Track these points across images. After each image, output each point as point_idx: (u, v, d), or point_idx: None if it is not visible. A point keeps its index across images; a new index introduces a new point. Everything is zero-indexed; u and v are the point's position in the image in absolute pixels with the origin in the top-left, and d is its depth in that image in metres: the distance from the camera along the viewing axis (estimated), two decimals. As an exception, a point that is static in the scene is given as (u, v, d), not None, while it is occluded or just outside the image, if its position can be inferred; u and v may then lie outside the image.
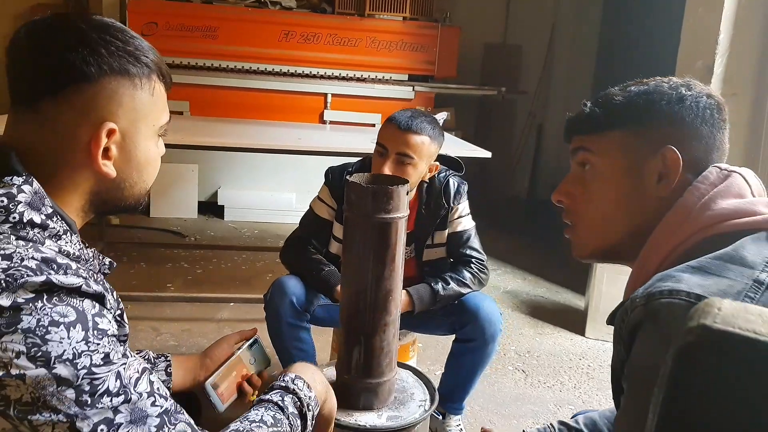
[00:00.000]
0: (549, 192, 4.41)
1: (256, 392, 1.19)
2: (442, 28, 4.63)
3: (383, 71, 4.57)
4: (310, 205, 2.05)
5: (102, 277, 0.88)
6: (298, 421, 0.97)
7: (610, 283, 3.08)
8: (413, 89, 4.51)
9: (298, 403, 0.99)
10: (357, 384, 1.43)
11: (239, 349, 1.23)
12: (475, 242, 1.97)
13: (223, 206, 4.71)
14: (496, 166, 4.86)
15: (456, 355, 1.95)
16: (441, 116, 3.00)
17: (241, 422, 0.90)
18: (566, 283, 3.82)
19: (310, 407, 1.00)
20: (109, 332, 0.75)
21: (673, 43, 4.34)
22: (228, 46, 4.36)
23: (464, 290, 1.89)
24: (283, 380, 1.02)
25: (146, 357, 1.13)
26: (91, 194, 0.85)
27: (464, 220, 1.97)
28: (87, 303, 0.74)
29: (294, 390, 1.00)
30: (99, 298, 0.76)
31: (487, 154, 2.79)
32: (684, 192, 0.84)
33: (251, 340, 1.26)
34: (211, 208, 4.79)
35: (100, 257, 0.93)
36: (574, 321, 3.27)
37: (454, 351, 1.96)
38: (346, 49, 4.47)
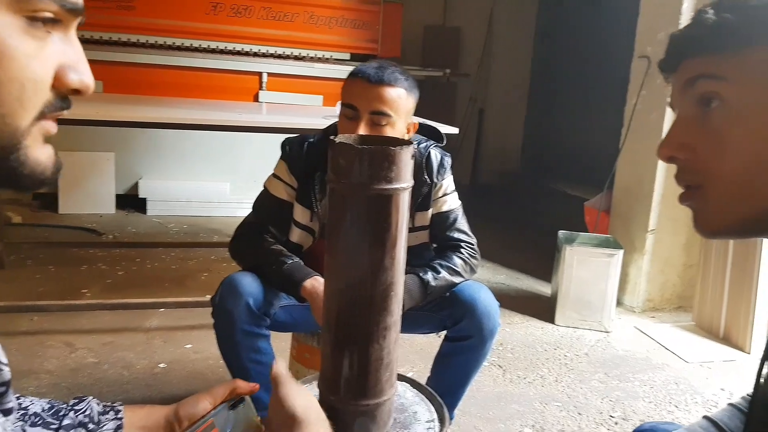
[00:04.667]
0: (492, 177, 4.25)
1: None
2: (385, 4, 4.34)
3: (323, 49, 4.21)
4: (264, 186, 1.70)
5: None
6: None
7: (580, 267, 2.89)
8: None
9: None
10: (349, 407, 1.10)
11: (215, 410, 0.87)
12: (463, 223, 1.68)
13: (145, 199, 4.23)
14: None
15: (447, 355, 1.65)
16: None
17: None
18: (525, 269, 3.64)
19: None
20: None
21: (615, 22, 4.23)
22: (147, 19, 3.89)
23: (457, 279, 1.59)
24: None
25: (85, 411, 0.75)
26: None
27: (450, 198, 1.68)
28: None
29: None
30: None
31: (454, 130, 2.51)
32: None
33: (234, 400, 0.92)
34: (131, 201, 4.29)
35: None
36: (541, 308, 3.07)
37: (444, 351, 1.66)
38: (281, 25, 4.09)
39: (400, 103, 1.50)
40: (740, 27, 0.64)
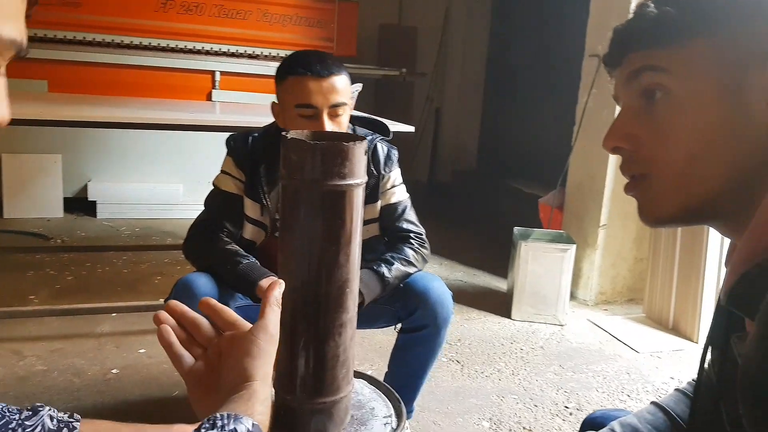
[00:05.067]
0: (449, 176, 4.28)
1: None
2: (340, 3, 4.32)
3: (278, 48, 4.17)
4: (213, 183, 1.69)
5: None
6: None
7: (535, 262, 2.94)
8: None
9: None
10: (305, 406, 1.09)
11: None
12: (411, 215, 1.70)
13: (94, 202, 4.10)
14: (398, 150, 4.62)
15: (404, 347, 1.66)
16: (356, 87, 2.70)
17: None
18: (482, 266, 3.68)
19: None
20: None
21: (567, 22, 4.32)
22: (93, 16, 3.77)
23: (411, 270, 1.61)
24: None
25: (35, 430, 0.65)
26: None
27: (398, 190, 1.70)
28: None
29: None
30: None
31: (410, 128, 2.52)
32: None
33: None
34: (80, 205, 4.15)
35: None
36: (498, 304, 3.11)
37: (401, 344, 1.67)
38: (234, 23, 4.03)
39: (348, 88, 1.55)
40: (681, 20, 0.65)
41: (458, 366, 2.46)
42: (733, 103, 0.63)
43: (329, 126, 1.48)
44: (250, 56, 4.12)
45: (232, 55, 4.08)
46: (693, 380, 0.89)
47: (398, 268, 1.58)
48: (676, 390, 0.97)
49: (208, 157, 3.98)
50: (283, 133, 1.05)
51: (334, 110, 1.50)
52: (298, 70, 1.50)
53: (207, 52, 4.03)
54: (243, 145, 1.65)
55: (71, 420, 0.66)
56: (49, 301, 2.76)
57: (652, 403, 0.96)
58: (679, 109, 0.65)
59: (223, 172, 1.68)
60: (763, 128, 0.62)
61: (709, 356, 0.79)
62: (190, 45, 4.00)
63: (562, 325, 2.92)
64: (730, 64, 0.63)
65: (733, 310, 0.65)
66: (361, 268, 1.58)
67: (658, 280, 2.98)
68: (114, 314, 2.63)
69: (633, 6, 2.98)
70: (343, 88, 1.52)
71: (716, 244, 2.69)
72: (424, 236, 1.72)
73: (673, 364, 2.59)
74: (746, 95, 0.62)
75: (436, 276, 1.69)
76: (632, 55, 0.69)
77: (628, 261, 3.25)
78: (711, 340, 0.74)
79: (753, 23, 0.63)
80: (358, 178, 1.03)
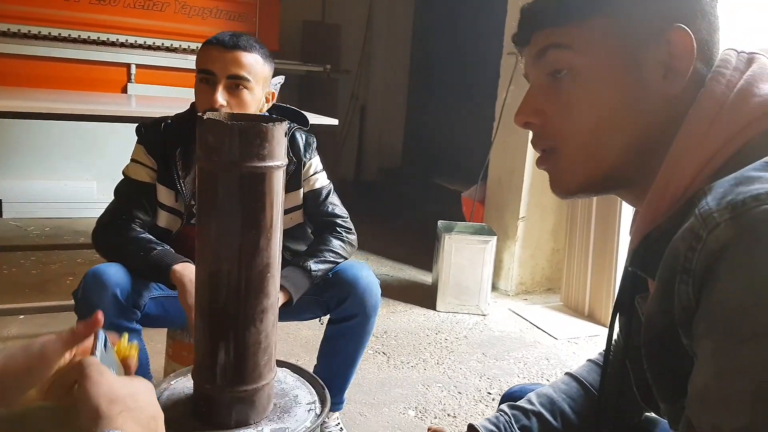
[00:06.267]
0: (375, 173, 4.33)
1: None
2: (261, -3, 4.25)
3: (197, 41, 4.04)
4: (123, 173, 1.63)
5: None
6: None
7: (458, 255, 3.00)
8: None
9: None
10: (226, 395, 1.07)
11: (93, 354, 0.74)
12: (335, 199, 1.71)
13: (0, 201, 3.84)
14: (323, 147, 4.60)
15: (333, 338, 1.66)
16: (278, 80, 2.67)
17: None
18: (408, 260, 3.72)
19: None
20: None
21: (487, 20, 4.44)
22: (-2, 4, 3.53)
23: (339, 260, 1.61)
24: None
25: None
26: None
27: (320, 176, 1.70)
28: None
29: None
30: None
31: (334, 122, 2.51)
32: (706, 82, 0.63)
33: (101, 338, 0.77)
34: (-17, 204, 3.89)
35: None
36: (423, 296, 3.16)
37: (330, 335, 1.67)
38: (150, 14, 3.88)
39: (257, 68, 1.53)
40: None
41: (384, 358, 2.47)
42: (632, 77, 0.66)
43: (222, 96, 1.48)
44: (168, 49, 3.98)
45: (149, 47, 3.93)
46: (602, 351, 0.93)
47: (325, 260, 1.58)
48: (588, 360, 1.02)
49: (123, 153, 3.80)
50: (199, 113, 1.02)
51: (232, 81, 1.50)
52: (211, 40, 1.54)
53: (122, 44, 3.86)
54: (154, 132, 1.61)
55: None
56: (-52, 305, 2.57)
57: (566, 373, 1.00)
58: (582, 83, 0.68)
59: (133, 160, 1.63)
60: (660, 99, 0.66)
61: (616, 328, 0.84)
62: (103, 36, 3.82)
63: (484, 315, 2.99)
64: (628, 40, 0.66)
65: (637, 272, 0.68)
66: (287, 262, 1.57)
67: (573, 270, 3.11)
68: (21, 316, 2.49)
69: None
70: (249, 64, 1.51)
71: (628, 234, 2.83)
72: (349, 220, 1.73)
73: (590, 349, 2.70)
74: (644, 69, 0.66)
75: (364, 264, 1.70)
76: (538, 34, 0.71)
77: (545, 252, 3.37)
78: (619, 305, 0.78)
79: (648, 1, 0.66)
80: (278, 159, 1.02)
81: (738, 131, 0.59)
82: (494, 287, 3.24)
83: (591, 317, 3.02)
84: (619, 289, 0.77)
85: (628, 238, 0.72)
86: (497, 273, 3.29)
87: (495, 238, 3.02)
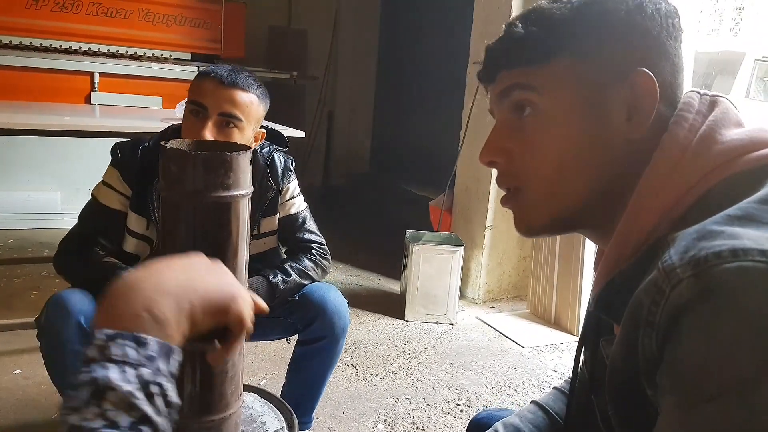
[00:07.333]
0: (343, 179, 4.33)
1: None
2: (227, 4, 4.21)
3: (162, 48, 4.00)
4: (92, 194, 1.59)
5: None
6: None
7: (426, 264, 3.03)
8: (198, 69, 4.02)
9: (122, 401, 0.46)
10: (192, 425, 1.06)
11: None
12: (311, 225, 1.70)
13: (-42, 213, 3.74)
14: (290, 154, 4.58)
15: (301, 359, 1.66)
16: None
17: None
18: (377, 269, 3.73)
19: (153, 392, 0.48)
20: None
21: (454, 28, 4.48)
22: (-49, 10, 3.43)
23: (306, 281, 1.61)
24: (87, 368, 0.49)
25: None
26: None
27: (297, 201, 1.69)
28: None
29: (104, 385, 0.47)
30: None
31: (300, 134, 2.51)
32: (668, 125, 0.65)
33: None
34: (-60, 216, 3.77)
35: None
36: (391, 306, 3.17)
37: (298, 355, 1.67)
38: (113, 22, 3.82)
39: (252, 108, 1.50)
40: (545, 40, 0.69)
41: (353, 370, 2.48)
42: (596, 118, 0.68)
43: (210, 133, 1.44)
44: (132, 57, 3.92)
45: (113, 55, 3.87)
46: (569, 378, 0.95)
47: (294, 279, 1.58)
48: (554, 388, 1.04)
49: (88, 162, 3.76)
50: (162, 142, 1.02)
51: (223, 119, 1.46)
52: (208, 72, 1.49)
53: (84, 52, 3.79)
54: (131, 156, 1.55)
55: None
56: None
57: (533, 402, 1.02)
58: (546, 124, 0.69)
59: (104, 183, 1.58)
60: (623, 141, 0.67)
61: (582, 356, 0.86)
62: (65, 44, 3.75)
63: (452, 324, 3.02)
64: (593, 81, 0.68)
65: (601, 316, 0.70)
66: (255, 275, 1.56)
67: (540, 278, 3.17)
68: (-18, 335, 2.42)
69: (513, 16, 3.14)
70: (244, 104, 1.47)
71: (593, 243, 2.89)
72: (325, 246, 1.72)
73: (556, 357, 2.75)
74: (607, 110, 0.67)
75: (332, 286, 1.70)
76: (503, 73, 0.73)
77: (512, 260, 3.42)
78: (583, 342, 0.80)
79: (611, 44, 0.68)
80: (243, 188, 1.02)
81: (700, 179, 0.60)
82: (462, 295, 3.28)
83: (557, 324, 3.07)
84: (584, 328, 0.79)
85: (593, 246, 0.73)
86: (465, 281, 3.33)
87: (462, 247, 3.06)
